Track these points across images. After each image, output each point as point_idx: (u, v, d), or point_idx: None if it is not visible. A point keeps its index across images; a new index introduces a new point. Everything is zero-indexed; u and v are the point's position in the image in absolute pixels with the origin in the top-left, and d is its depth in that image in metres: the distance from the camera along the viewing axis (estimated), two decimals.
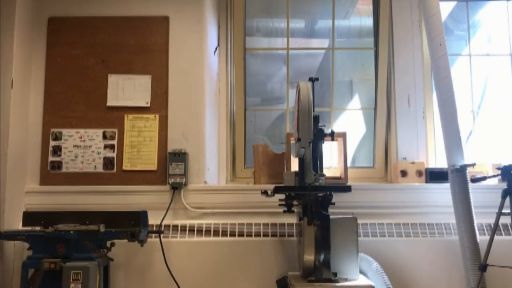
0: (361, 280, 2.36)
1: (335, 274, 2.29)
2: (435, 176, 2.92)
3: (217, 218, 2.82)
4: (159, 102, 2.95)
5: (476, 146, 3.25)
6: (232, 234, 2.77)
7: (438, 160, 3.12)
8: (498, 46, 3.41)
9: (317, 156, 2.41)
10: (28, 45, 2.93)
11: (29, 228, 2.54)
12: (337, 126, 3.29)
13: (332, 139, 2.63)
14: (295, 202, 2.39)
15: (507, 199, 2.45)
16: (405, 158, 3.08)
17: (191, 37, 2.99)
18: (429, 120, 3.17)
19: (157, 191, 2.86)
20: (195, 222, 2.79)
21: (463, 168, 2.58)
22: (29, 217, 2.57)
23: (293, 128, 2.54)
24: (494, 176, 2.64)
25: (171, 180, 2.82)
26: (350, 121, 3.42)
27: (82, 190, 2.86)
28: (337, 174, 2.98)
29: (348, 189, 2.42)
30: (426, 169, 2.97)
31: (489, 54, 3.42)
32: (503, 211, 2.44)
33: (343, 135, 2.96)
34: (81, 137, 2.94)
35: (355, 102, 3.67)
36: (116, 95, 2.97)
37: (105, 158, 2.92)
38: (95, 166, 2.91)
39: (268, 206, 2.73)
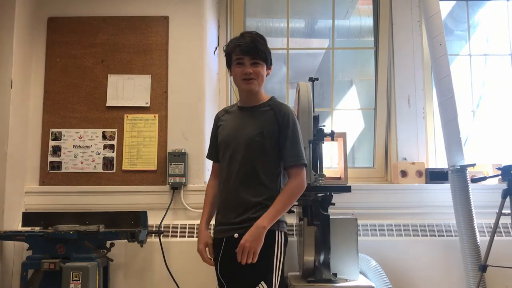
0: (361, 280, 2.36)
1: (335, 275, 2.29)
2: (435, 176, 2.92)
3: None
4: (159, 102, 2.95)
5: (476, 146, 3.25)
6: None
7: (438, 160, 3.11)
8: (498, 46, 3.41)
9: (317, 156, 2.41)
10: (28, 45, 2.92)
11: (28, 229, 2.54)
12: (337, 126, 3.29)
13: (332, 139, 2.63)
14: (295, 202, 2.38)
15: (507, 199, 2.45)
16: (405, 159, 3.08)
17: (191, 37, 2.99)
18: (429, 120, 3.16)
19: (157, 191, 2.86)
20: (195, 222, 2.78)
21: (463, 168, 2.58)
22: (29, 218, 2.58)
23: None
24: (494, 176, 2.64)
25: (171, 180, 2.82)
26: (350, 121, 3.41)
27: (81, 190, 2.86)
28: (337, 174, 2.98)
29: (348, 189, 2.41)
30: (426, 169, 2.97)
31: (489, 54, 3.42)
32: (503, 211, 2.44)
33: (343, 135, 2.96)
34: (80, 137, 2.93)
35: (355, 102, 3.67)
36: (116, 95, 2.97)
37: (104, 158, 2.91)
38: (95, 166, 2.91)
39: None
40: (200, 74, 2.96)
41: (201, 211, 2.02)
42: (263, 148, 1.82)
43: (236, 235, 1.77)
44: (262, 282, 1.73)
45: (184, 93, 2.94)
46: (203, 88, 2.95)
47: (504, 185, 2.48)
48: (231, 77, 1.95)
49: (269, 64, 1.90)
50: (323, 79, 3.30)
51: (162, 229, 2.71)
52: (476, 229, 2.56)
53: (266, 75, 1.91)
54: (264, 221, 1.73)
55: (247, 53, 1.82)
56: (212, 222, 1.99)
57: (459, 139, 2.63)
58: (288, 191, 1.82)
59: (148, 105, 2.95)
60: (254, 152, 1.82)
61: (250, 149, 1.82)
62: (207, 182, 2.08)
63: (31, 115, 2.95)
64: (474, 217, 2.56)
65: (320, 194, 2.33)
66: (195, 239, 2.74)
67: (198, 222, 2.76)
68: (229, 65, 1.92)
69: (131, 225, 2.49)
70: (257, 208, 1.79)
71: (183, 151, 2.86)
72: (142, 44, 2.99)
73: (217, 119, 2.03)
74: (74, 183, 2.89)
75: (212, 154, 2.05)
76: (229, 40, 3.25)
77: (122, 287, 2.71)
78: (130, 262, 2.72)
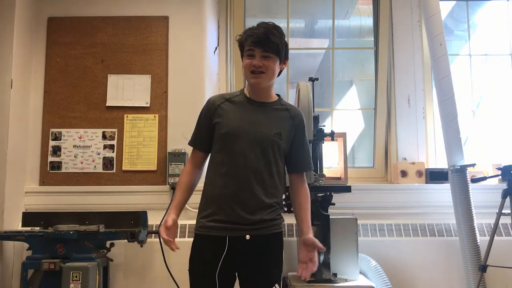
0: (361, 280, 2.36)
1: (335, 275, 2.29)
2: (435, 176, 2.92)
3: None
4: (158, 102, 2.95)
5: (476, 146, 3.25)
6: None
7: (438, 160, 3.11)
8: (498, 46, 3.40)
9: (317, 156, 2.41)
10: (28, 45, 2.92)
11: (28, 229, 2.54)
12: (337, 126, 3.29)
13: (332, 139, 2.63)
14: None
15: (507, 199, 2.45)
16: (405, 159, 3.08)
17: (191, 37, 2.99)
18: (429, 120, 3.16)
19: (157, 191, 2.86)
20: (195, 222, 2.78)
21: (463, 168, 2.58)
22: (29, 218, 2.57)
23: None
24: (494, 176, 2.64)
25: (171, 180, 2.82)
26: (350, 121, 3.41)
27: (81, 190, 2.86)
28: (337, 174, 2.97)
29: (348, 189, 2.42)
30: (426, 170, 2.97)
31: (489, 54, 3.42)
32: (503, 211, 2.44)
33: (343, 135, 2.96)
34: (80, 137, 2.93)
35: (355, 102, 3.66)
36: (116, 95, 2.96)
37: (104, 158, 2.91)
38: (95, 166, 2.90)
39: None
40: (200, 74, 2.96)
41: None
42: (279, 149, 1.75)
43: (248, 236, 1.69)
44: (276, 285, 1.71)
45: (184, 93, 2.94)
46: (203, 88, 2.95)
47: (504, 185, 2.48)
48: (243, 69, 1.82)
49: (282, 58, 1.76)
50: (323, 79, 3.30)
51: None
52: (476, 229, 2.56)
53: (280, 70, 1.80)
54: (312, 233, 1.76)
55: (258, 44, 1.70)
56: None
57: (459, 139, 2.63)
58: (308, 197, 1.83)
59: (148, 105, 2.95)
60: (271, 151, 1.74)
61: (267, 148, 1.73)
62: (183, 171, 1.90)
63: (31, 115, 2.94)
64: (474, 217, 2.56)
65: (320, 194, 2.33)
66: None
67: None
68: (241, 54, 1.80)
69: (131, 225, 2.49)
70: (270, 210, 1.73)
71: (183, 151, 2.86)
72: (142, 44, 2.99)
73: (215, 106, 1.82)
74: (74, 183, 2.88)
75: (200, 142, 1.88)
76: (229, 40, 3.27)
77: (122, 287, 2.70)
78: (130, 262, 2.72)
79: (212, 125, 1.82)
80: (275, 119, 1.78)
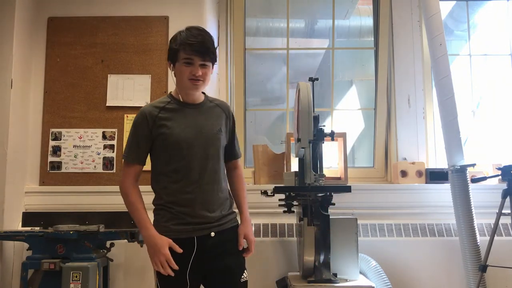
0: (361, 280, 2.36)
1: (335, 275, 2.29)
2: (435, 176, 2.92)
3: None
4: None
5: (476, 146, 3.25)
6: None
7: (438, 160, 3.12)
8: (498, 46, 3.41)
9: (317, 156, 2.41)
10: (28, 45, 2.92)
11: (28, 229, 2.54)
12: (337, 126, 3.29)
13: (332, 139, 2.62)
14: (295, 203, 2.38)
15: (507, 199, 2.45)
16: (405, 159, 3.08)
17: None
18: (429, 120, 3.16)
19: None
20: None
21: (463, 168, 2.58)
22: (29, 218, 2.58)
23: (293, 128, 2.54)
24: (494, 176, 2.64)
25: None
26: (350, 121, 3.41)
27: (81, 190, 2.86)
28: (337, 174, 2.98)
29: (348, 189, 2.41)
30: (426, 170, 2.97)
31: (489, 54, 3.42)
32: (503, 211, 2.44)
33: (343, 135, 2.96)
34: (80, 137, 2.93)
35: (355, 102, 3.66)
36: (116, 95, 2.97)
37: (104, 158, 2.91)
38: (95, 166, 2.91)
39: (268, 206, 2.72)
40: None
41: None
42: (221, 144, 1.86)
43: (212, 233, 1.77)
44: (245, 271, 1.85)
45: None
46: None
47: (504, 185, 2.48)
48: (172, 72, 1.84)
49: (214, 63, 1.83)
50: (323, 79, 3.30)
51: None
52: (476, 229, 2.56)
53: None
54: (248, 215, 1.94)
55: (197, 53, 1.73)
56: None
57: (459, 139, 2.63)
58: (243, 180, 2.01)
59: None
60: (218, 149, 1.84)
61: (215, 147, 1.82)
62: (129, 188, 1.86)
63: (31, 115, 2.95)
64: (474, 217, 2.56)
65: (320, 194, 2.33)
66: None
67: None
68: (173, 59, 1.80)
69: (131, 225, 2.49)
70: (226, 204, 1.86)
71: None
72: (142, 44, 2.99)
73: (153, 117, 1.79)
74: (74, 183, 2.89)
75: (139, 156, 1.84)
76: (229, 40, 3.27)
77: (122, 287, 2.70)
78: (130, 262, 2.72)
79: (153, 137, 1.81)
80: (213, 117, 1.87)
